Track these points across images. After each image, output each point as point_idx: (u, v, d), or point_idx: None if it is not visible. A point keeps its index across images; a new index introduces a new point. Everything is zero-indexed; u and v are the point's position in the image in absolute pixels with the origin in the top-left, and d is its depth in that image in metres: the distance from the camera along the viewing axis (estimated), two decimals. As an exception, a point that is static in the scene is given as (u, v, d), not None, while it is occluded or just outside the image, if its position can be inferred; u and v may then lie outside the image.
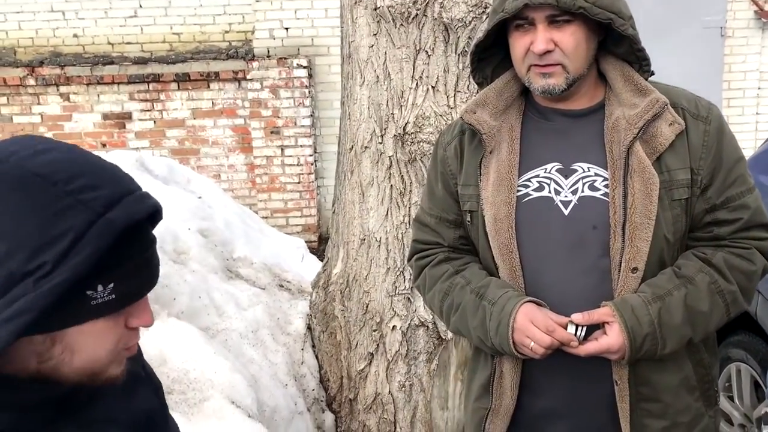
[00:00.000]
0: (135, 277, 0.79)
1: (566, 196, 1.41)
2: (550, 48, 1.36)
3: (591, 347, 1.36)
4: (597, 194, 1.40)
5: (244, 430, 2.03)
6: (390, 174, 2.71)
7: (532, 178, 1.45)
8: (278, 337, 2.96)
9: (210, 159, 6.31)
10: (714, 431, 1.53)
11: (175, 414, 2.03)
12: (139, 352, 1.02)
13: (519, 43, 1.41)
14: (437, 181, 1.60)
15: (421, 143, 2.62)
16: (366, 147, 2.75)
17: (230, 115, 6.23)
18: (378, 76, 2.66)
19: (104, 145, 6.16)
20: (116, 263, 0.75)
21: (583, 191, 1.40)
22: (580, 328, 1.36)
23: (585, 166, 1.42)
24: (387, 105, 2.66)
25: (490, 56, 1.55)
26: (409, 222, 2.72)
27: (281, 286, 3.40)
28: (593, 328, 1.37)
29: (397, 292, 2.76)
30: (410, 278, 2.75)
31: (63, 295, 0.70)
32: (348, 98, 2.85)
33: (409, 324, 2.76)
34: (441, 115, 2.59)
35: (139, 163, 4.38)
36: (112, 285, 0.75)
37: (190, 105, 6.16)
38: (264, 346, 2.81)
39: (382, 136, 2.69)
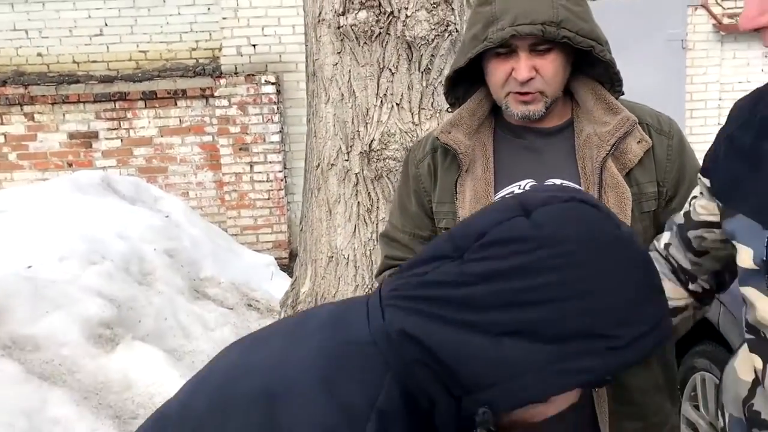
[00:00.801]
0: None
1: None
2: (532, 75, 1.39)
3: None
4: None
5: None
6: (357, 191, 2.70)
7: (506, 195, 1.46)
8: (247, 357, 2.93)
9: (178, 177, 6.25)
10: (678, 429, 1.59)
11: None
12: None
13: (499, 70, 1.42)
14: (410, 197, 1.60)
15: (387, 160, 2.62)
16: (332, 164, 2.75)
17: (198, 132, 6.19)
18: (343, 94, 2.67)
19: (70, 165, 6.07)
20: None
21: None
22: None
23: (558, 181, 1.44)
24: (352, 122, 2.66)
25: (462, 77, 1.56)
26: (376, 239, 2.72)
27: (249, 305, 3.38)
28: None
29: (365, 309, 2.75)
30: (379, 295, 2.75)
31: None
32: (313, 116, 2.85)
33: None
34: (406, 132, 2.61)
35: (105, 182, 4.33)
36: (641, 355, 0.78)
37: (157, 123, 6.11)
38: (232, 367, 2.79)
39: (348, 153, 2.69)
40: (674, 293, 1.30)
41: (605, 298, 0.72)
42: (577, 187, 1.15)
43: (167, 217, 4.09)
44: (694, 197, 1.27)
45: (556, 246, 0.73)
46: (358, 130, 2.65)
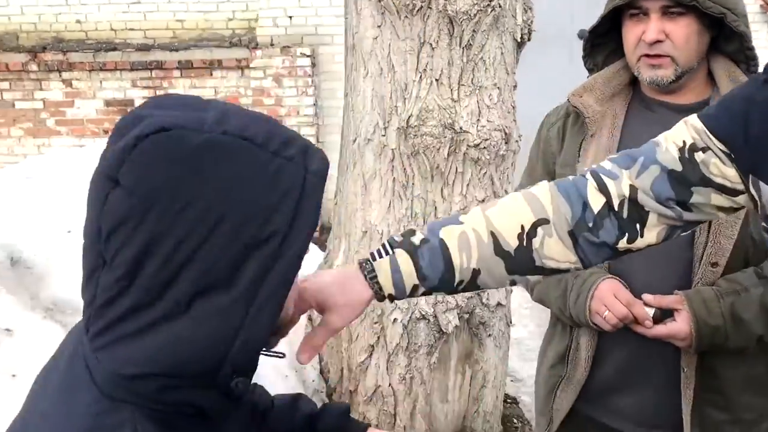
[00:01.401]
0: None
1: None
2: (660, 38, 1.41)
3: (659, 330, 1.41)
4: None
5: (244, 422, 2.03)
6: (393, 167, 2.70)
7: None
8: (279, 328, 2.96)
9: (212, 147, 6.29)
10: None
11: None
12: None
13: (631, 32, 1.46)
14: (537, 159, 1.66)
15: (425, 136, 2.61)
16: (369, 139, 2.74)
17: (232, 102, 6.21)
18: (382, 68, 2.65)
19: (106, 132, 6.14)
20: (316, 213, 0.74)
21: None
22: (653, 311, 1.42)
23: None
24: (390, 97, 2.65)
25: (603, 44, 1.60)
26: (411, 215, 2.72)
27: (282, 276, 3.40)
28: (667, 316, 1.42)
29: (398, 285, 2.76)
30: (411, 271, 2.75)
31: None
32: (351, 90, 2.84)
33: (410, 317, 2.77)
34: (445, 108, 2.58)
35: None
36: (307, 232, 0.73)
37: (192, 93, 6.13)
38: (265, 337, 2.82)
39: (385, 128, 2.68)
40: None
41: (235, 210, 0.66)
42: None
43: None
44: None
45: (158, 201, 0.65)
46: (395, 105, 2.64)
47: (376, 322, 2.82)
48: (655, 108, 1.52)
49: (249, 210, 0.67)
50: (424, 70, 2.58)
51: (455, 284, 1.05)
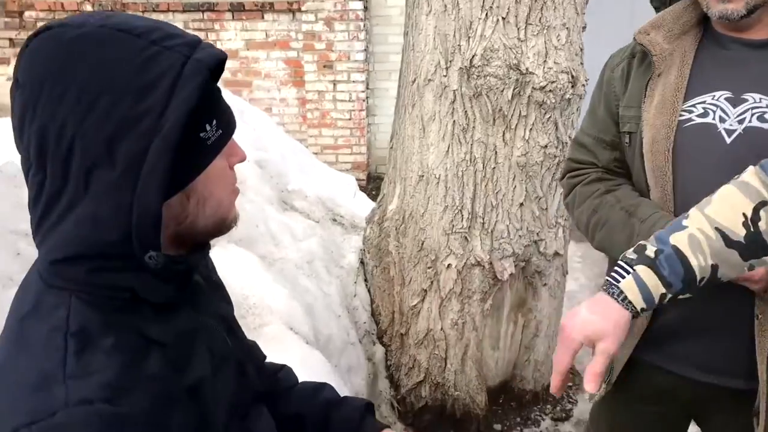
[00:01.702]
0: (226, 110, 0.83)
1: (731, 125, 1.37)
2: None
3: None
4: (765, 126, 1.35)
5: (303, 356, 2.05)
6: (453, 109, 2.63)
7: (697, 104, 1.41)
8: (332, 269, 2.96)
9: (262, 92, 6.28)
10: None
11: (235, 337, 2.06)
12: (212, 263, 1.07)
13: None
14: (600, 102, 1.59)
15: (488, 77, 2.53)
16: (429, 80, 2.67)
17: (283, 47, 6.16)
18: (446, 5, 2.56)
19: (158, 74, 6.17)
20: (210, 101, 0.79)
21: (750, 121, 1.36)
22: None
23: (757, 96, 1.37)
24: (454, 36, 2.57)
25: None
26: (470, 159, 2.66)
27: (334, 220, 3.40)
28: None
29: (454, 230, 2.72)
30: (468, 217, 2.71)
31: (183, 144, 0.73)
32: (412, 28, 2.76)
33: (464, 263, 2.74)
34: (510, 48, 2.50)
35: (195, 91, 4.38)
36: (215, 121, 0.80)
37: (243, 36, 6.10)
38: (318, 278, 2.83)
39: (446, 68, 2.61)
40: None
41: (107, 90, 0.71)
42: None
43: (254, 130, 4.11)
44: None
45: (42, 91, 0.71)
46: (459, 44, 2.55)
47: (429, 267, 2.80)
48: (728, 45, 1.43)
49: (121, 90, 0.71)
50: (491, 7, 2.48)
51: (698, 282, 1.14)
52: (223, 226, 0.86)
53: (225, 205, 0.85)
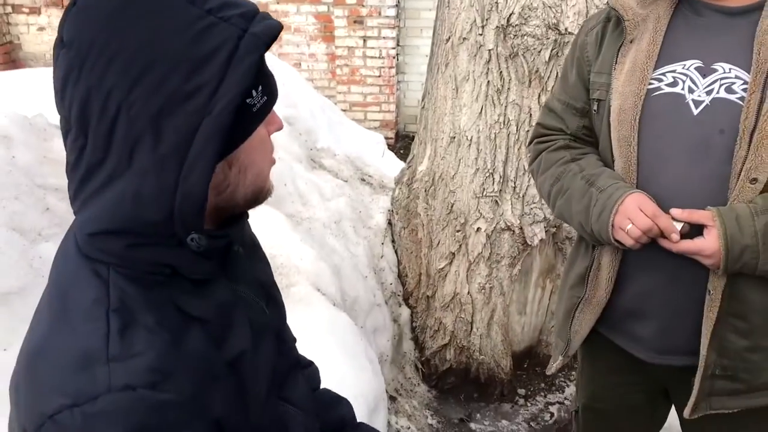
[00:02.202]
0: (270, 75, 0.79)
1: (699, 96, 1.33)
2: None
3: (684, 245, 1.31)
4: (732, 97, 1.30)
5: (330, 317, 2.04)
6: (488, 69, 2.56)
7: (667, 72, 1.36)
8: (359, 229, 2.94)
9: (292, 47, 6.20)
10: None
11: (263, 296, 2.06)
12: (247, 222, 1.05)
13: None
14: (572, 66, 1.54)
15: (526, 37, 2.45)
16: (464, 38, 2.60)
17: (314, 2, 6.05)
18: (484, -39, 2.47)
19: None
20: (259, 67, 0.74)
21: (718, 92, 1.32)
22: (681, 226, 1.32)
23: (727, 66, 1.32)
24: (491, -7, 2.48)
25: None
26: (504, 122, 2.60)
27: (363, 179, 3.37)
28: (697, 234, 1.32)
29: (484, 194, 2.68)
30: (499, 181, 2.66)
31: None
32: (448, -16, 2.67)
33: (494, 227, 2.70)
34: (550, 7, 2.40)
35: (224, 45, 4.33)
36: (260, 87, 0.75)
37: (274, -11, 6.00)
38: (346, 238, 2.81)
39: (482, 27, 2.53)
40: None
41: (159, 61, 0.67)
42: None
43: (283, 85, 4.05)
44: None
45: (90, 54, 0.67)
46: (496, 2, 2.47)
47: (458, 230, 2.76)
48: (703, 12, 1.37)
49: (173, 62, 0.67)
50: (531, -37, 2.39)
51: None
52: (261, 195, 0.83)
53: (264, 174, 0.82)
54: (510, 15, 2.44)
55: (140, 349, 0.68)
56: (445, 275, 2.85)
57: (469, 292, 2.82)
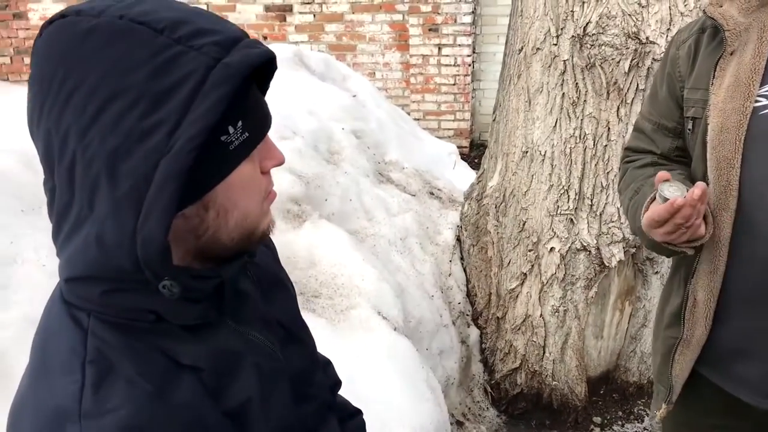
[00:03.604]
0: (257, 108, 0.72)
1: None
2: None
3: None
4: None
5: (391, 343, 1.96)
6: (563, 80, 2.43)
7: None
8: (426, 246, 2.86)
9: (366, 56, 6.18)
10: None
11: (320, 320, 2.00)
12: (275, 255, 0.99)
13: None
14: (662, 83, 1.41)
15: (603, 47, 2.30)
16: (538, 48, 2.47)
17: (389, 10, 6.01)
18: (559, -33, 2.34)
19: (265, 38, 6.20)
20: (236, 100, 0.67)
21: None
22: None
23: None
24: (567, 1, 2.35)
25: None
26: (579, 136, 2.46)
27: (432, 193, 3.28)
28: None
29: (559, 212, 2.54)
30: (575, 198, 2.51)
31: (201, 150, 0.62)
32: (521, -8, 2.56)
33: (569, 247, 2.55)
34: (630, 15, 2.25)
35: (297, 57, 4.34)
36: (240, 123, 0.68)
37: None
38: (412, 255, 2.73)
39: (557, 36, 2.40)
40: None
41: (118, 96, 0.61)
42: None
43: (354, 96, 4.03)
44: None
45: (49, 91, 0.62)
46: (572, 10, 2.34)
47: (530, 250, 2.63)
48: None
49: (131, 97, 0.61)
50: (610, -32, 2.25)
51: None
52: (253, 238, 0.75)
53: (253, 215, 0.73)
54: (587, 24, 2.30)
55: (115, 404, 0.63)
56: (516, 296, 2.72)
57: (541, 315, 2.68)
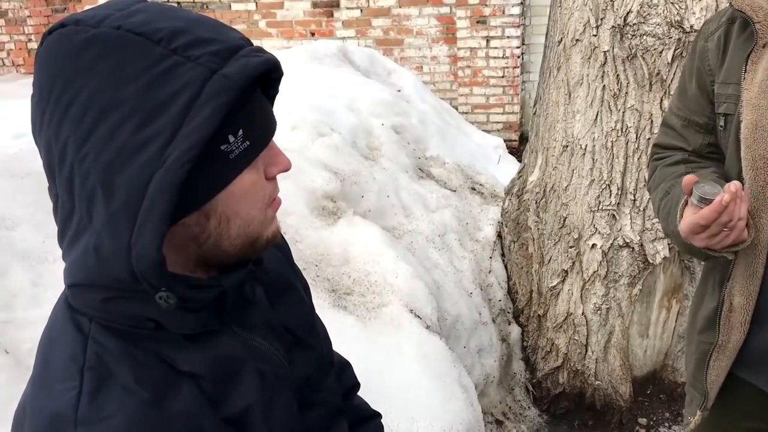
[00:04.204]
0: (259, 116, 0.71)
1: None
2: None
3: None
4: None
5: (422, 342, 1.95)
6: (603, 72, 2.35)
7: None
8: (466, 243, 2.82)
9: (413, 50, 6.14)
10: None
11: (351, 318, 2.00)
12: (290, 258, 0.99)
13: None
14: (691, 77, 1.36)
15: (645, 36, 2.22)
16: (577, 40, 2.41)
17: (436, 3, 5.96)
18: (598, -45, 2.27)
19: (313, 34, 6.23)
20: (238, 108, 0.66)
21: None
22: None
23: None
24: (606, -10, 2.27)
25: None
26: (621, 129, 2.38)
27: (473, 189, 3.24)
28: None
29: (600, 207, 2.47)
30: (617, 193, 2.44)
31: (198, 161, 0.62)
32: (560, -18, 2.49)
33: (611, 243, 2.48)
34: (673, 3, 2.17)
35: (342, 53, 4.35)
36: (241, 132, 0.67)
37: (396, -7, 5.98)
38: (450, 252, 2.70)
39: (597, 27, 2.33)
40: None
41: (115, 107, 0.60)
42: None
43: (399, 91, 4.01)
44: None
45: (49, 101, 0.63)
46: (612, 0, 2.26)
47: (571, 246, 2.57)
48: None
49: (126, 110, 0.60)
50: (651, -45, 2.17)
51: None
52: (256, 246, 0.75)
53: (256, 223, 0.73)
54: (627, 13, 2.23)
55: (111, 411, 0.63)
56: (558, 294, 2.66)
57: (583, 313, 2.61)
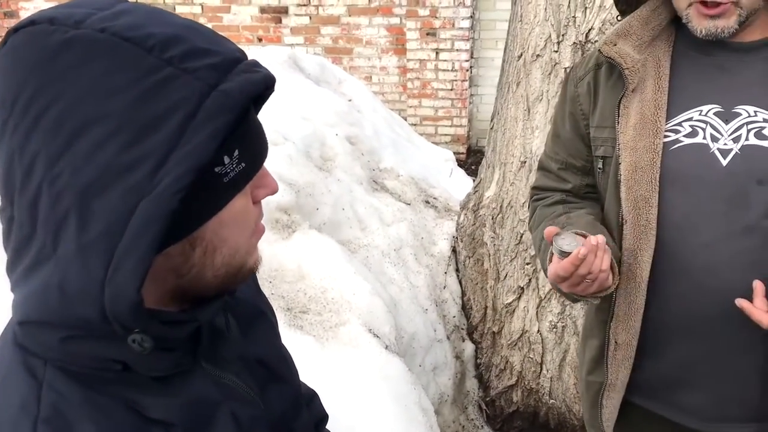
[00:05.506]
0: (254, 135, 0.64)
1: (725, 144, 1.19)
2: None
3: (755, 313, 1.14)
4: (766, 143, 1.17)
5: (381, 363, 1.87)
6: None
7: (683, 121, 1.23)
8: (421, 257, 2.77)
9: (363, 60, 6.09)
10: None
11: (307, 338, 1.91)
12: (256, 284, 0.91)
13: None
14: (564, 121, 1.41)
15: (606, 54, 2.22)
16: (538, 55, 2.39)
17: (386, 13, 5.93)
18: (561, -29, 2.26)
19: (260, 40, 6.11)
20: (235, 127, 0.59)
21: (747, 139, 1.18)
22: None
23: (751, 109, 1.19)
24: (568, 6, 2.26)
25: None
26: (580, 146, 2.38)
27: (427, 202, 3.19)
28: None
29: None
30: (575, 210, 2.43)
31: (190, 186, 0.54)
32: (521, -3, 2.47)
33: (568, 261, 2.46)
34: (635, 21, 2.17)
35: (292, 60, 4.24)
36: (237, 152, 0.60)
37: (345, 1, 5.92)
38: (406, 267, 2.64)
39: (558, 43, 2.31)
40: None
41: (96, 122, 0.52)
42: None
43: (350, 101, 3.94)
44: None
45: (14, 109, 0.54)
46: (574, 16, 2.25)
47: (528, 263, 2.54)
48: (710, 50, 1.23)
49: (112, 125, 0.52)
50: (614, -27, 2.16)
51: None
52: (239, 276, 0.67)
53: (242, 252, 0.66)
54: (589, 30, 2.22)
55: None
56: (513, 311, 2.63)
57: (539, 331, 2.59)
